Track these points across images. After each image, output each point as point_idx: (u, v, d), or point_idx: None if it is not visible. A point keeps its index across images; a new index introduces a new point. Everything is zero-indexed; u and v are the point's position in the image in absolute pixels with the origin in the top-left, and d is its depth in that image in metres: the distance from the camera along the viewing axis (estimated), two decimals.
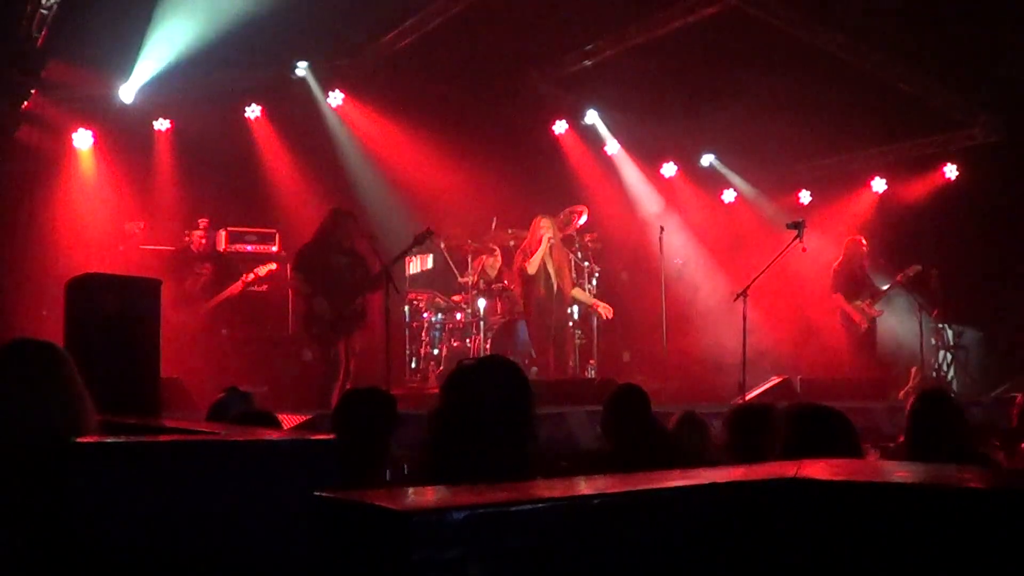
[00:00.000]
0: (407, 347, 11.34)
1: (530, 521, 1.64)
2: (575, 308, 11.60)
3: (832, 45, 11.59)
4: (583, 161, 13.73)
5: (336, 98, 12.36)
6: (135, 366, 5.79)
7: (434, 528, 1.54)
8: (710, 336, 12.01)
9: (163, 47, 10.42)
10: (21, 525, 2.66)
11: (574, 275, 10.96)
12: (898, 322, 12.20)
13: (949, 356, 12.55)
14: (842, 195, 14.23)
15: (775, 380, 10.06)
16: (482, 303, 11.11)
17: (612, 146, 13.97)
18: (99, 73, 10.80)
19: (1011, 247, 12.37)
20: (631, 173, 14.08)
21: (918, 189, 13.74)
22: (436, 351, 11.33)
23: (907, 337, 12.00)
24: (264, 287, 11.03)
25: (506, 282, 11.21)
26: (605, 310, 10.93)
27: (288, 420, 6.57)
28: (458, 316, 11.42)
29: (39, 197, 10.63)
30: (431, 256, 11.86)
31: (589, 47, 12.24)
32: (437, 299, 11.59)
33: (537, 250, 10.12)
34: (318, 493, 1.73)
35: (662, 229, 11.77)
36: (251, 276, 10.53)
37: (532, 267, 10.04)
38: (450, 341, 11.34)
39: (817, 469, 2.06)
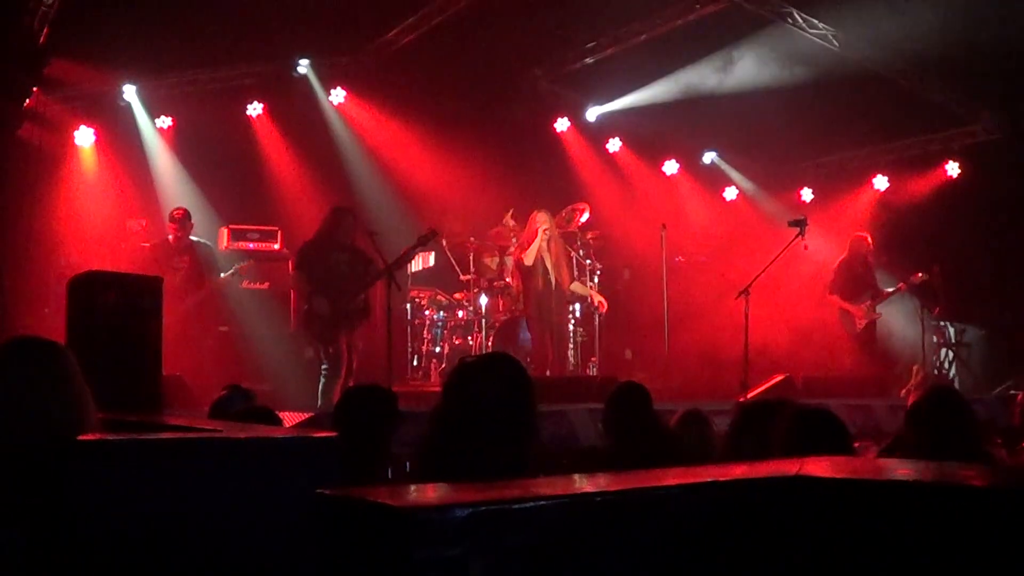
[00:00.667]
0: (409, 345, 11.35)
1: (532, 519, 1.64)
2: (578, 306, 11.61)
3: (833, 43, 11.58)
4: (585, 158, 13.74)
5: (338, 95, 12.35)
6: (137, 364, 5.79)
7: (436, 526, 1.54)
8: (712, 334, 12.00)
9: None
10: (23, 523, 2.66)
11: (574, 271, 10.93)
12: (900, 320, 12.19)
13: (951, 354, 12.54)
14: (844, 193, 14.23)
15: (777, 378, 10.05)
16: (484, 300, 11.12)
17: (614, 144, 13.97)
18: (101, 70, 10.81)
19: (1013, 244, 12.36)
20: (633, 170, 14.07)
21: (920, 186, 13.73)
22: (438, 349, 11.34)
23: (909, 335, 11.99)
24: (266, 285, 11.04)
25: (507, 279, 11.21)
26: (601, 304, 10.90)
27: (290, 418, 6.58)
28: (460, 314, 11.43)
29: (41, 195, 10.63)
30: (433, 253, 11.86)
31: (591, 44, 12.24)
32: (439, 296, 11.59)
33: (533, 242, 10.11)
34: (320, 491, 1.73)
35: (664, 226, 11.76)
36: (231, 273, 10.29)
37: (528, 258, 10.02)
38: (452, 339, 11.35)
39: (819, 467, 2.05)
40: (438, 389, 10.64)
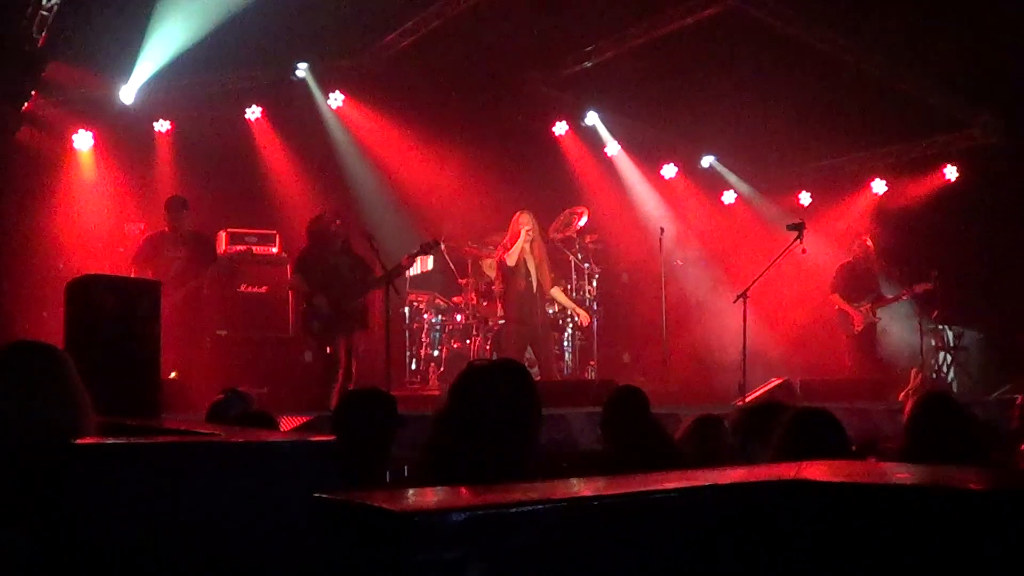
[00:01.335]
0: (407, 349, 11.35)
1: (530, 522, 1.64)
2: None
3: (832, 46, 11.60)
4: (583, 162, 13.74)
5: (336, 99, 12.36)
6: (135, 367, 5.80)
7: (434, 529, 1.54)
8: (710, 337, 12.02)
9: (162, 47, 10.41)
10: (22, 526, 2.66)
11: (553, 273, 10.86)
12: (898, 323, 12.20)
13: (949, 357, 12.54)
14: (842, 196, 14.24)
15: (775, 381, 10.05)
16: (482, 304, 11.12)
17: (612, 147, 13.98)
18: (99, 74, 10.81)
19: (1011, 248, 12.37)
20: (631, 174, 14.08)
21: (918, 190, 13.75)
22: (436, 352, 11.34)
23: (907, 338, 11.99)
24: (264, 289, 11.03)
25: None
26: (583, 318, 10.85)
27: (288, 422, 6.58)
28: (458, 317, 11.43)
29: (40, 198, 10.63)
30: (431, 258, 11.86)
31: (589, 48, 12.25)
32: (437, 300, 11.60)
33: (516, 243, 10.08)
34: (318, 494, 1.73)
35: (662, 230, 11.78)
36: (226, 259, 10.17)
37: (511, 259, 9.97)
38: (450, 342, 11.36)
39: (817, 471, 2.06)
40: (437, 393, 10.69)
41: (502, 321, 10.71)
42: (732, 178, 14.82)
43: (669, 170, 14.46)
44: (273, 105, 12.12)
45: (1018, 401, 6.82)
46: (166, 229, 9.82)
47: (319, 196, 11.52)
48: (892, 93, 12.29)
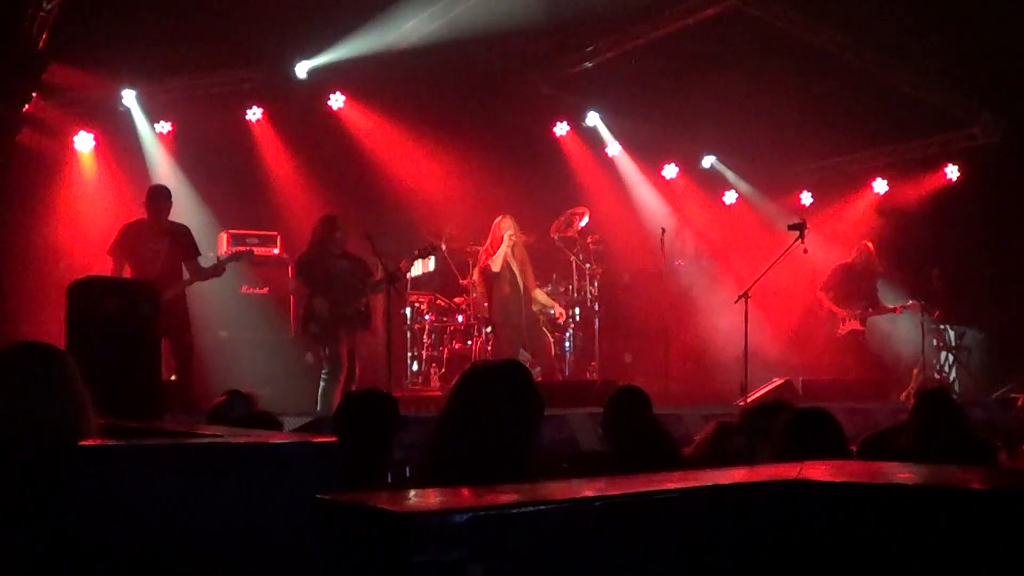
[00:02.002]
0: (408, 350, 11.34)
1: (532, 523, 1.64)
2: (577, 310, 11.61)
3: (832, 46, 11.60)
4: (584, 163, 13.73)
5: (337, 100, 12.35)
6: (136, 369, 5.80)
7: (436, 530, 1.54)
8: (711, 338, 12.01)
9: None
10: (24, 528, 2.66)
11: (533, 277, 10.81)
12: (899, 323, 12.19)
13: (951, 357, 12.54)
14: (843, 196, 14.24)
15: (777, 381, 10.06)
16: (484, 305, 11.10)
17: (613, 148, 13.98)
18: (100, 75, 10.82)
19: (1012, 247, 12.37)
20: (632, 175, 14.08)
21: (919, 190, 13.75)
22: (437, 353, 11.34)
23: (908, 338, 11.99)
24: (265, 290, 11.03)
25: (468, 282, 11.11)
26: (559, 313, 10.76)
27: (290, 422, 6.58)
28: (460, 318, 11.42)
29: (41, 200, 10.63)
30: (432, 258, 11.85)
31: (590, 48, 12.25)
32: (439, 301, 11.59)
33: (499, 248, 10.07)
34: (320, 496, 1.73)
35: (663, 231, 11.77)
36: (225, 254, 9.84)
37: (496, 264, 9.96)
38: (452, 343, 11.35)
39: (819, 471, 2.06)
40: (438, 394, 10.66)
41: (489, 329, 10.64)
42: (733, 178, 14.82)
43: (670, 170, 14.46)
44: (274, 106, 12.11)
45: (1020, 402, 6.82)
46: (145, 218, 9.14)
47: (320, 197, 11.52)
48: (893, 92, 12.29)
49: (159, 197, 9.15)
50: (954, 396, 7.20)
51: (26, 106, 9.98)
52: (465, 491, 1.93)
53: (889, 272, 12.22)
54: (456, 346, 11.30)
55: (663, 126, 13.62)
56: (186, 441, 3.13)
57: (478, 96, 12.68)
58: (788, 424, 3.93)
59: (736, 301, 9.53)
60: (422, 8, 10.85)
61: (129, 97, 11.31)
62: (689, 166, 14.62)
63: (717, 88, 11.98)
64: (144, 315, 6.01)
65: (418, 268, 11.83)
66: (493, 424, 3.10)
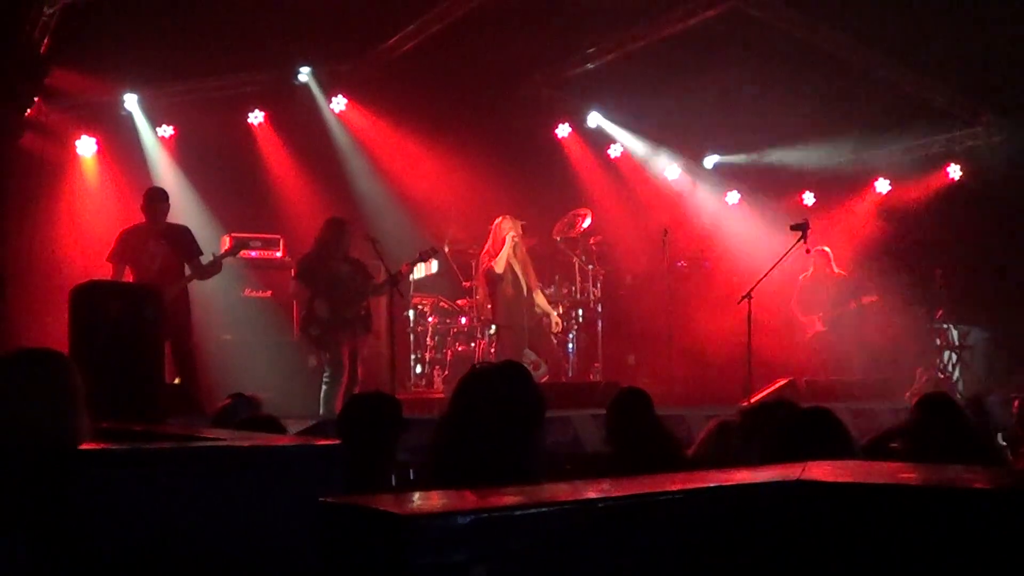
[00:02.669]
0: (412, 352, 11.35)
1: (535, 525, 1.64)
2: (580, 311, 11.60)
3: (833, 45, 11.59)
4: (586, 164, 13.73)
5: (339, 103, 12.36)
6: (140, 372, 5.81)
7: (439, 532, 1.54)
8: (714, 338, 11.99)
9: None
10: (26, 532, 2.66)
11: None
12: (903, 323, 12.18)
13: (954, 356, 12.52)
14: (846, 196, 14.22)
15: (780, 382, 10.04)
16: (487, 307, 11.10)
17: (615, 149, 13.98)
18: (102, 80, 10.83)
19: (1015, 246, 12.36)
20: (634, 176, 14.08)
21: (922, 189, 13.73)
22: (441, 355, 11.34)
23: (912, 338, 11.97)
24: (268, 293, 11.04)
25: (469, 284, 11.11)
26: (555, 323, 10.76)
27: (293, 425, 6.57)
28: (463, 320, 11.42)
29: (43, 204, 10.64)
30: (435, 261, 11.86)
31: (591, 49, 12.24)
32: (442, 303, 11.60)
33: (501, 250, 10.05)
34: (323, 498, 1.73)
35: (665, 231, 11.76)
36: (224, 248, 9.81)
37: (499, 266, 9.94)
38: (455, 345, 11.35)
39: (822, 471, 2.05)
40: (441, 396, 10.65)
41: (492, 331, 10.63)
42: (735, 179, 14.81)
43: (672, 171, 14.46)
44: (276, 109, 12.12)
45: (1015, 406, 6.82)
46: (143, 222, 9.13)
47: (322, 200, 11.52)
48: (895, 92, 12.28)
49: (155, 199, 9.13)
50: (957, 398, 7.18)
51: (28, 110, 10.00)
52: (468, 493, 1.93)
53: (849, 271, 12.22)
54: (460, 348, 11.30)
55: (665, 127, 13.62)
56: (190, 445, 3.13)
57: (480, 98, 12.67)
58: (792, 424, 3.93)
59: (739, 302, 9.51)
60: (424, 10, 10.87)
61: (131, 101, 11.33)
62: (691, 166, 14.62)
63: (719, 88, 11.98)
64: (147, 319, 6.01)
65: (421, 271, 11.83)
66: (495, 426, 3.09)
